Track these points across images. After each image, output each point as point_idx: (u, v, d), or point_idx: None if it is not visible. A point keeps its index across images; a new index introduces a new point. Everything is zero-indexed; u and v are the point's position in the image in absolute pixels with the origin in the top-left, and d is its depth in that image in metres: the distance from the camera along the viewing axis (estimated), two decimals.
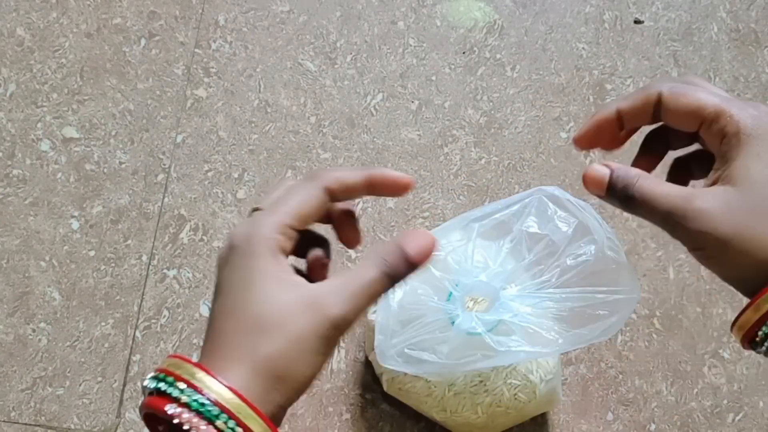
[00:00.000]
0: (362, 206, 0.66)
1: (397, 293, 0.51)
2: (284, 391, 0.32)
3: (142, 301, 0.63)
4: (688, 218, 0.33)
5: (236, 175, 0.66)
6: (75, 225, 0.65)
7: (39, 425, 0.60)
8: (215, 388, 0.30)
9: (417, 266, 0.34)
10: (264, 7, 0.72)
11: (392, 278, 0.34)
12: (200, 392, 0.30)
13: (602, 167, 0.37)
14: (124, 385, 0.61)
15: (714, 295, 0.64)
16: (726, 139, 0.33)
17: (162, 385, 0.31)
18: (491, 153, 0.67)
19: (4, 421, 0.60)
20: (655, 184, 0.35)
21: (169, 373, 0.31)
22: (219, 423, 0.29)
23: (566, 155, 0.68)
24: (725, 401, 0.61)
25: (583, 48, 0.71)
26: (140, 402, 0.31)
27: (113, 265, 0.64)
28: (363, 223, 0.65)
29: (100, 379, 0.61)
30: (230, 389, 0.30)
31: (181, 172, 0.66)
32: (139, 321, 0.62)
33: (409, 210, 0.66)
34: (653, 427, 0.60)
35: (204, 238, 0.65)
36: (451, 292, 0.48)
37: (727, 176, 0.33)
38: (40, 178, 0.66)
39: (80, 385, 0.61)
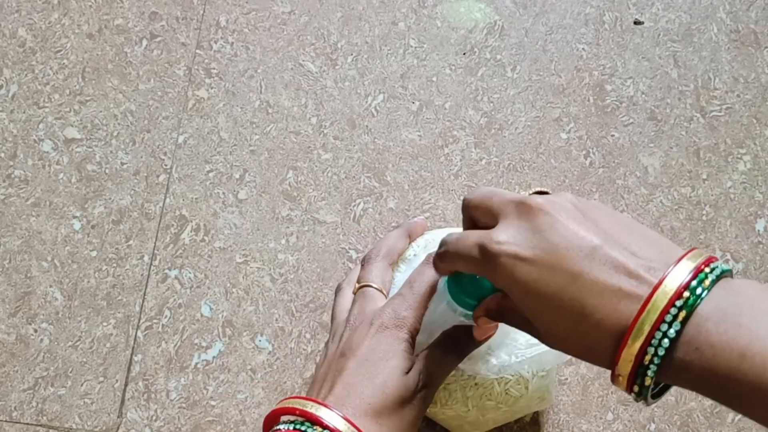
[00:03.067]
0: (363, 207, 0.66)
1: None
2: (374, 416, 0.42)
3: (143, 301, 0.63)
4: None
5: (237, 176, 0.67)
6: (77, 225, 0.65)
7: (41, 425, 0.60)
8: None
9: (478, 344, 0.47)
10: (265, 8, 0.72)
11: (460, 356, 0.47)
12: None
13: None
14: (126, 385, 0.61)
15: None
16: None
17: (301, 427, 0.39)
18: (491, 154, 0.68)
19: (5, 420, 0.60)
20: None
21: (311, 418, 0.40)
22: None
23: (566, 156, 0.68)
24: None
25: (583, 49, 0.71)
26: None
27: (115, 265, 0.64)
28: (364, 224, 0.66)
29: (101, 379, 0.61)
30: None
31: (182, 173, 0.67)
32: (141, 321, 0.63)
33: (410, 210, 0.66)
34: (653, 426, 0.60)
35: (205, 238, 0.65)
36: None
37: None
38: (41, 179, 0.66)
39: (82, 385, 0.61)
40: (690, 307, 0.30)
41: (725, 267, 0.32)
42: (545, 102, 0.69)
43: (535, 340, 0.46)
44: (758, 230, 0.66)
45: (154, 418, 0.60)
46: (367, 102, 0.69)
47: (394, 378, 0.42)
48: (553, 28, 0.72)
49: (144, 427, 0.60)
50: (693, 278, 0.31)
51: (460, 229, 0.57)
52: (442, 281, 0.46)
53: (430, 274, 0.46)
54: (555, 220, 0.34)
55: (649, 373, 0.31)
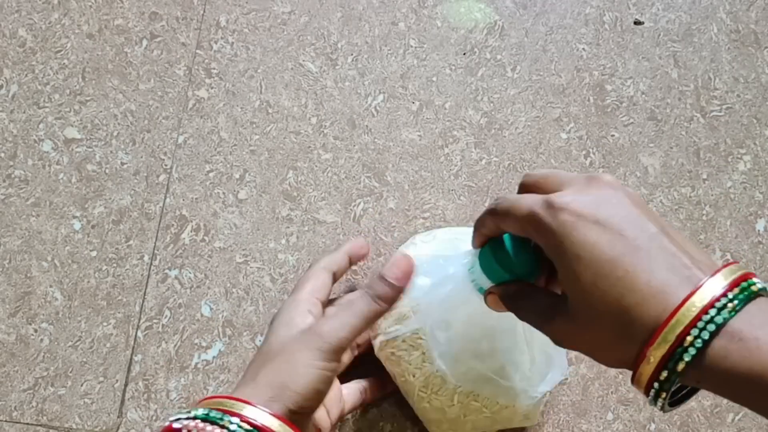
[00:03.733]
0: (363, 207, 0.66)
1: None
2: (289, 396, 0.41)
3: (143, 301, 0.63)
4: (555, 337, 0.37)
5: (237, 176, 0.67)
6: (77, 225, 0.65)
7: (41, 425, 0.60)
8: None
9: (399, 288, 0.45)
10: (265, 8, 0.72)
11: (380, 300, 0.45)
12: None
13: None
14: (126, 385, 0.61)
15: None
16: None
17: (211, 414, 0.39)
18: (492, 154, 0.68)
19: (5, 420, 0.60)
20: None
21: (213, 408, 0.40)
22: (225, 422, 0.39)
23: (566, 156, 0.68)
24: (725, 401, 0.61)
25: (583, 49, 0.71)
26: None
27: (115, 265, 0.64)
28: (364, 224, 0.66)
29: (101, 379, 0.61)
30: (238, 400, 0.40)
31: (182, 173, 0.67)
32: (141, 321, 0.63)
33: (410, 210, 0.66)
34: (653, 426, 0.60)
35: (205, 238, 0.65)
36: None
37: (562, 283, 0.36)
38: (41, 179, 0.66)
39: (82, 385, 0.61)
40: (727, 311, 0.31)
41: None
42: (545, 102, 0.69)
43: (540, 361, 0.46)
44: (758, 230, 0.66)
45: (154, 418, 0.60)
46: (367, 102, 0.69)
47: (284, 335, 0.45)
48: (554, 28, 0.72)
49: (144, 427, 0.60)
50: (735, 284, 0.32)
51: (462, 229, 0.58)
52: (465, 261, 0.45)
53: (366, 310, 0.47)
54: (623, 197, 0.34)
55: (680, 364, 0.31)
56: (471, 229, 0.47)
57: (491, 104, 0.69)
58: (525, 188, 0.40)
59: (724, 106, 0.69)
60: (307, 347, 0.43)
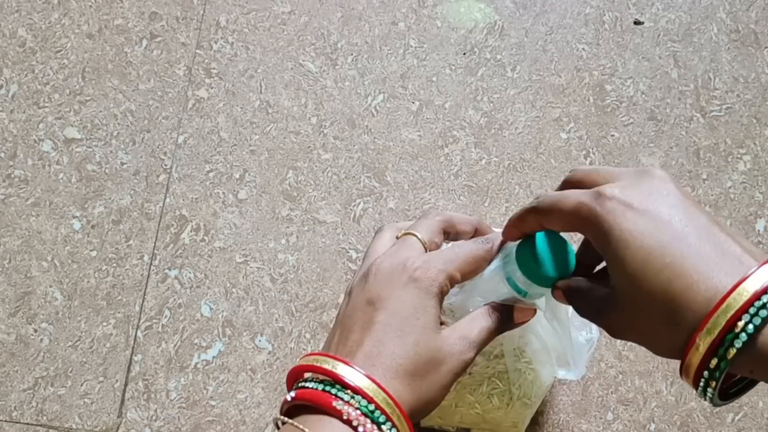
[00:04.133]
0: (363, 206, 0.66)
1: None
2: (421, 396, 0.38)
3: (143, 301, 0.63)
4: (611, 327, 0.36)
5: (237, 176, 0.67)
6: (77, 225, 0.65)
7: (41, 425, 0.60)
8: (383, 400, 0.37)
9: (517, 325, 0.44)
10: (265, 8, 0.72)
11: (499, 328, 0.43)
12: (370, 400, 0.36)
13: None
14: (126, 385, 0.61)
15: None
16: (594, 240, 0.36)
17: (329, 388, 0.36)
18: (491, 154, 0.68)
19: (5, 420, 0.60)
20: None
21: (335, 379, 0.37)
22: (384, 428, 0.36)
23: (566, 156, 0.68)
24: None
25: (583, 49, 0.71)
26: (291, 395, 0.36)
27: (115, 265, 0.64)
28: (364, 224, 0.66)
29: (101, 379, 0.61)
30: (396, 405, 0.37)
31: (182, 173, 0.67)
32: (141, 321, 0.63)
33: (410, 210, 0.66)
34: (653, 426, 0.60)
35: (205, 238, 0.65)
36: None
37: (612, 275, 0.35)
38: (41, 179, 0.66)
39: (82, 384, 0.61)
40: None
41: None
42: (545, 102, 0.69)
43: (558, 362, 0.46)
44: (758, 230, 0.66)
45: (154, 417, 0.60)
46: (367, 102, 0.69)
47: (426, 338, 0.39)
48: (553, 28, 0.72)
49: (144, 427, 0.60)
50: None
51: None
52: (502, 251, 0.44)
53: (478, 248, 0.44)
54: (672, 189, 0.35)
55: (731, 350, 0.30)
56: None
57: (491, 104, 0.69)
58: (569, 185, 0.40)
59: (724, 106, 0.69)
60: (460, 359, 0.41)
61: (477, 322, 0.42)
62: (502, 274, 0.43)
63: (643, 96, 0.70)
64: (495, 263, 0.44)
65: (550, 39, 0.71)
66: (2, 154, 0.67)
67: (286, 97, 0.69)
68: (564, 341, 0.48)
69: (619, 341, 0.62)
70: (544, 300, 0.44)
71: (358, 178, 0.67)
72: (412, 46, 0.71)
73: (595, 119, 0.69)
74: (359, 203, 0.66)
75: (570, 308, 0.45)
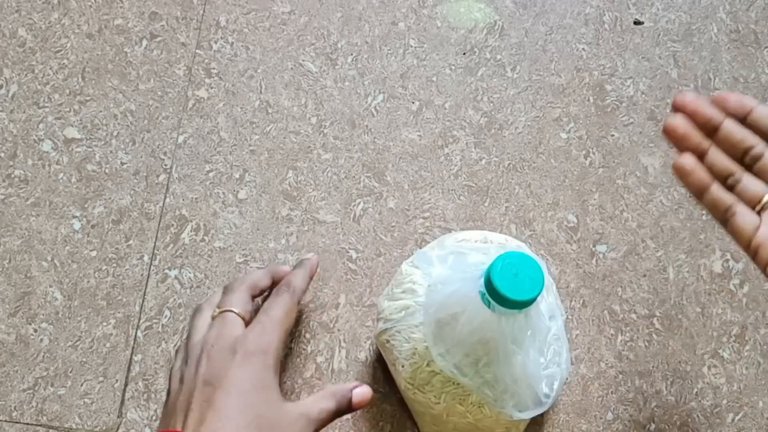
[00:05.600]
0: (363, 206, 0.66)
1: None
2: None
3: (143, 301, 0.63)
4: None
5: (237, 176, 0.67)
6: (77, 225, 0.65)
7: (41, 425, 0.60)
8: None
9: (354, 409, 0.48)
10: (265, 8, 0.72)
11: (338, 410, 0.47)
12: None
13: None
14: (126, 385, 0.61)
15: (714, 295, 0.64)
16: None
17: None
18: (491, 153, 0.68)
19: (5, 420, 0.60)
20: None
21: None
22: None
23: (566, 156, 0.68)
24: (725, 401, 0.61)
25: (583, 49, 0.71)
26: None
27: (115, 265, 0.64)
28: (364, 224, 0.66)
29: (101, 379, 0.61)
30: None
31: (182, 173, 0.67)
32: (141, 321, 0.63)
33: (410, 210, 0.66)
34: (653, 426, 0.60)
35: (205, 238, 0.65)
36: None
37: None
38: (41, 179, 0.66)
39: (82, 385, 0.61)
40: None
41: None
42: (545, 102, 0.69)
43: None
44: None
45: (154, 418, 0.60)
46: (367, 102, 0.69)
47: (269, 412, 0.43)
48: (553, 28, 0.72)
49: (144, 427, 0.60)
50: None
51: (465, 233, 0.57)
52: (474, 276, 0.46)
53: (285, 300, 0.49)
54: None
55: None
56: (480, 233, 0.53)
57: (491, 104, 0.69)
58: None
59: None
60: (304, 429, 0.45)
61: (319, 403, 0.46)
62: (477, 289, 0.45)
63: (643, 96, 0.70)
64: (471, 279, 0.46)
65: (550, 39, 0.71)
66: (2, 154, 0.67)
67: (286, 97, 0.69)
68: (523, 369, 0.49)
69: (618, 341, 0.62)
70: (512, 321, 0.46)
71: (358, 178, 0.67)
72: (412, 46, 0.71)
73: (595, 119, 0.69)
74: (359, 203, 0.66)
75: (545, 330, 0.50)
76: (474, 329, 0.47)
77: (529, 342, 0.48)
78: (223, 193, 0.66)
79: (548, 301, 0.53)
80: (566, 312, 0.56)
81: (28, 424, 0.60)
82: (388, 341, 0.54)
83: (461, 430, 0.54)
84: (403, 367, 0.53)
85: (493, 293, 0.43)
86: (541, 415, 0.60)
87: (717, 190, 0.42)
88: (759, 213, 0.42)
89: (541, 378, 0.51)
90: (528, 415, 0.51)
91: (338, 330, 0.62)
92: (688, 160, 0.41)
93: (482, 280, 0.44)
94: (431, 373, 0.52)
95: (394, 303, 0.54)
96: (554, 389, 0.52)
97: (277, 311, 0.48)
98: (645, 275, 0.64)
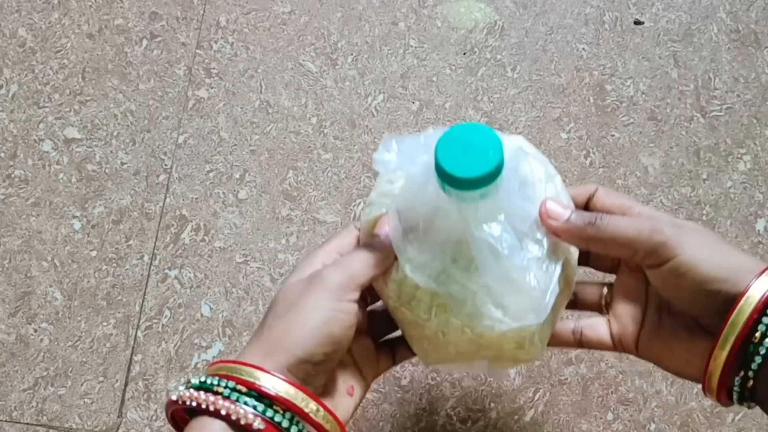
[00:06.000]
0: (363, 206, 0.66)
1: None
2: (295, 343, 0.38)
3: (143, 301, 0.63)
4: (664, 230, 0.38)
5: (237, 176, 0.67)
6: (77, 225, 0.65)
7: (41, 425, 0.60)
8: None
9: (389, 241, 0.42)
10: (265, 8, 0.72)
11: (377, 249, 0.42)
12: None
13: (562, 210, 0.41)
14: (126, 384, 0.61)
15: None
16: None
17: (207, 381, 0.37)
18: None
19: (5, 420, 0.60)
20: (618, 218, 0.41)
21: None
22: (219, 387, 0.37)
23: (567, 156, 0.68)
24: None
25: (583, 49, 0.71)
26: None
27: (115, 265, 0.64)
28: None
29: (101, 379, 0.61)
30: (232, 362, 0.38)
31: (182, 173, 0.67)
32: (141, 321, 0.63)
33: None
34: (653, 426, 0.60)
35: (205, 238, 0.65)
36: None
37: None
38: (41, 179, 0.66)
39: (82, 384, 0.61)
40: None
41: None
42: (545, 102, 0.69)
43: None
44: (758, 230, 0.66)
45: (154, 418, 0.60)
46: (367, 102, 0.69)
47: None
48: (554, 28, 0.72)
49: (144, 427, 0.60)
50: None
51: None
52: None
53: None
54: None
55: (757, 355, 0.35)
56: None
57: (491, 104, 0.69)
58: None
59: (724, 106, 0.69)
60: (313, 289, 0.40)
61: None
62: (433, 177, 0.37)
63: (644, 96, 0.70)
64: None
65: (551, 39, 0.71)
66: (2, 154, 0.67)
67: (287, 97, 0.69)
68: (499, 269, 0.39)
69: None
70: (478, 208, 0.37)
71: (358, 178, 0.67)
72: (412, 46, 0.71)
73: (595, 119, 0.69)
74: (359, 203, 0.66)
75: (525, 215, 0.41)
76: (441, 226, 0.39)
77: (506, 229, 0.39)
78: (224, 193, 0.66)
79: (532, 174, 0.43)
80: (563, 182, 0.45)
81: (28, 424, 0.60)
82: None
83: (464, 351, 0.44)
84: (387, 284, 0.43)
85: (442, 175, 0.35)
86: (541, 415, 0.60)
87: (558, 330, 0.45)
88: (605, 309, 0.45)
89: (535, 273, 0.40)
90: (524, 319, 0.41)
91: None
92: None
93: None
94: (416, 286, 0.42)
95: (372, 210, 0.44)
96: (551, 286, 0.41)
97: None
98: None
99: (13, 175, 0.66)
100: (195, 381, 0.38)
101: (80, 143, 0.67)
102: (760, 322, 0.35)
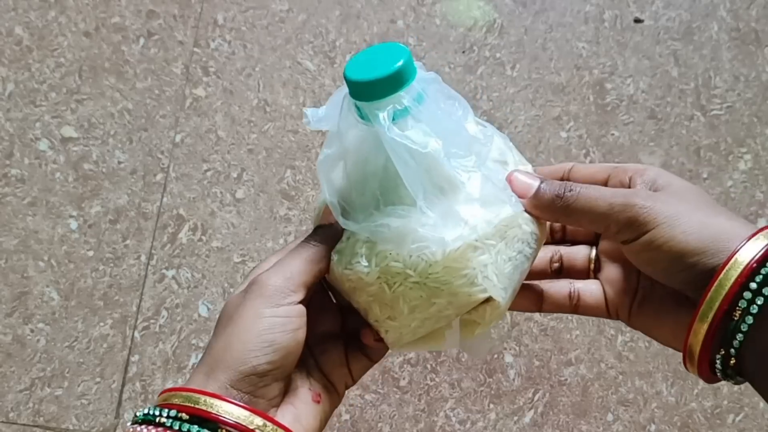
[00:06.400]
0: None
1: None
2: (235, 358, 0.36)
3: (140, 301, 0.63)
4: (636, 202, 0.36)
5: (235, 175, 0.66)
6: (73, 225, 0.65)
7: (37, 426, 0.60)
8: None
9: (335, 228, 0.39)
10: (263, 6, 0.71)
11: (317, 240, 0.39)
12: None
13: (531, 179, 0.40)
14: (123, 385, 0.61)
15: None
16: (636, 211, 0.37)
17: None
18: None
19: (2, 421, 0.60)
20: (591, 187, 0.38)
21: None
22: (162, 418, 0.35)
23: (566, 154, 0.67)
24: (725, 402, 0.60)
25: (583, 47, 0.71)
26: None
27: (112, 265, 0.64)
28: None
29: (98, 379, 0.61)
30: (172, 390, 0.35)
31: (179, 172, 0.66)
32: (138, 321, 0.62)
33: None
34: (653, 427, 0.60)
35: (203, 238, 0.64)
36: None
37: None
38: (38, 178, 0.66)
39: (79, 385, 0.61)
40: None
41: None
42: (545, 100, 0.69)
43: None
44: None
45: None
46: None
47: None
48: (553, 27, 0.71)
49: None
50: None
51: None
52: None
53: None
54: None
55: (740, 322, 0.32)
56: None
57: (490, 103, 0.69)
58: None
59: (725, 105, 0.69)
60: (250, 298, 0.38)
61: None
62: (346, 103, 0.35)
63: (644, 94, 0.69)
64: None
65: (550, 37, 0.71)
66: None
67: (284, 96, 0.69)
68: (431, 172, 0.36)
69: (618, 342, 0.62)
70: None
71: None
72: (411, 44, 0.70)
73: (595, 118, 0.68)
74: None
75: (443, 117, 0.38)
76: (362, 161, 0.37)
77: (438, 140, 0.35)
78: (221, 192, 0.66)
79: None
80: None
81: (24, 425, 0.60)
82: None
83: (418, 309, 0.38)
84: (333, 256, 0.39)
85: (350, 89, 0.34)
86: (541, 416, 0.60)
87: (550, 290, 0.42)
88: (593, 274, 0.42)
89: (469, 176, 0.37)
90: (462, 231, 0.35)
91: None
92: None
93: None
94: (353, 244, 0.38)
95: (319, 199, 0.41)
96: (503, 196, 0.38)
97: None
98: None
99: (9, 175, 0.66)
100: (139, 414, 0.37)
101: (77, 142, 0.67)
102: (741, 297, 0.33)
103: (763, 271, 0.32)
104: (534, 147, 0.67)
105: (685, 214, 0.35)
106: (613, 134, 0.68)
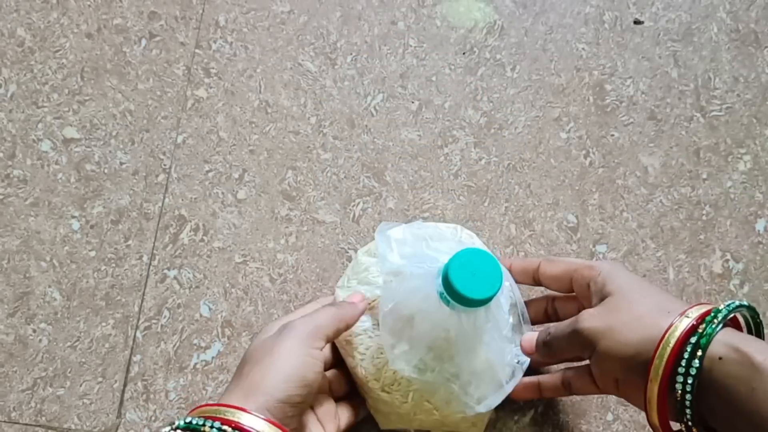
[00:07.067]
0: (362, 206, 0.66)
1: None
2: (273, 386, 0.42)
3: (142, 301, 0.63)
4: (581, 328, 0.46)
5: (237, 176, 0.66)
6: (75, 225, 0.65)
7: (39, 425, 0.60)
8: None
9: (360, 307, 0.51)
10: (264, 7, 0.72)
11: (346, 309, 0.50)
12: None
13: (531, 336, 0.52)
14: (125, 385, 0.61)
15: (714, 296, 0.64)
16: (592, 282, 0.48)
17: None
18: (491, 153, 0.68)
19: (4, 421, 0.60)
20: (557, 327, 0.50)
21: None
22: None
23: (566, 156, 0.68)
24: None
25: (583, 48, 0.71)
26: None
27: (114, 265, 0.64)
28: (363, 224, 0.65)
29: (100, 379, 0.61)
30: (211, 405, 0.42)
31: (181, 173, 0.67)
32: (140, 321, 0.62)
33: (409, 210, 0.66)
34: None
35: (204, 238, 0.65)
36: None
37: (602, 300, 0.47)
38: (40, 179, 0.66)
39: (81, 385, 0.61)
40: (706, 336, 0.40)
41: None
42: (545, 102, 0.69)
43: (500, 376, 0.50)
44: (758, 230, 0.66)
45: (153, 418, 0.60)
46: (366, 102, 0.69)
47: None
48: (553, 28, 0.72)
49: (143, 427, 0.60)
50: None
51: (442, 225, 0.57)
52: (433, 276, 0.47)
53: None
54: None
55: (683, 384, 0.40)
56: (449, 227, 0.55)
57: (491, 104, 0.69)
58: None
59: (724, 106, 0.69)
60: (285, 338, 0.45)
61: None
62: (435, 288, 0.46)
63: (643, 96, 0.69)
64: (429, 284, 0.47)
65: (550, 38, 0.71)
66: (1, 154, 0.67)
67: (286, 97, 0.69)
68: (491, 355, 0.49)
69: None
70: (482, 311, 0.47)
71: (357, 178, 0.67)
72: (411, 46, 0.71)
73: (594, 119, 0.69)
74: (359, 203, 0.66)
75: (505, 322, 0.51)
76: (434, 327, 0.47)
77: (491, 334, 0.49)
78: (223, 193, 0.66)
79: (505, 288, 0.52)
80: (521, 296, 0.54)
81: (27, 424, 0.60)
82: (348, 341, 0.52)
83: (427, 426, 0.53)
84: (365, 366, 0.51)
85: (452, 293, 0.44)
86: (541, 415, 0.60)
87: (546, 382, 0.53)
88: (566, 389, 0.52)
89: (504, 368, 0.51)
90: (490, 405, 0.50)
91: None
92: None
93: (439, 280, 0.45)
94: (395, 372, 0.50)
95: (346, 292, 0.54)
96: (515, 376, 0.52)
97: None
98: (645, 275, 0.64)
99: (11, 175, 0.66)
100: (180, 422, 0.41)
101: (79, 143, 0.67)
102: (677, 373, 0.40)
103: (687, 348, 0.40)
104: (534, 148, 0.68)
105: (619, 325, 0.43)
106: (613, 135, 0.68)
